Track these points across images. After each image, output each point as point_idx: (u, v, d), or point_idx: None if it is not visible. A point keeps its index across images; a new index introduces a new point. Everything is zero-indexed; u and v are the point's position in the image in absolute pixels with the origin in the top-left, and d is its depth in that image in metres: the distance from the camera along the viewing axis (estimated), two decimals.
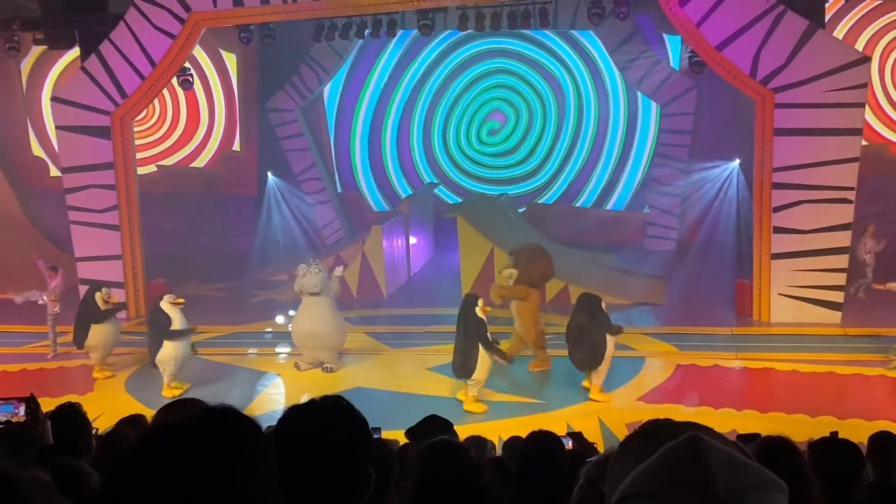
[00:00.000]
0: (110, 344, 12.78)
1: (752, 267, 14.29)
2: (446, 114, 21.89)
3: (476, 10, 15.92)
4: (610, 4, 15.15)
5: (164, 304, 11.73)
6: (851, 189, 13.41)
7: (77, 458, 3.26)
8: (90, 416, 4.10)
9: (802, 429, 8.57)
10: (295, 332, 12.74)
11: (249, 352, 13.91)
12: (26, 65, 20.35)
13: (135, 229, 16.19)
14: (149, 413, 7.15)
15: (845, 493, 3.26)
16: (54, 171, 19.52)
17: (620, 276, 16.14)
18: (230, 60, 20.75)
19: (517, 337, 12.26)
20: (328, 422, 1.74)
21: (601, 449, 6.58)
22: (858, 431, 6.21)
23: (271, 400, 11.60)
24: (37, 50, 19.24)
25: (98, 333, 12.55)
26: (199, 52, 19.39)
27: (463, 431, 5.85)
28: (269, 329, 15.00)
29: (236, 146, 21.24)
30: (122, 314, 13.32)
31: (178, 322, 11.68)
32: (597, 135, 21.03)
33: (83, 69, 15.78)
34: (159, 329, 11.65)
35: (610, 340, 10.69)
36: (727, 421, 9.45)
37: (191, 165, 21.37)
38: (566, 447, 4.51)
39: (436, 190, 21.28)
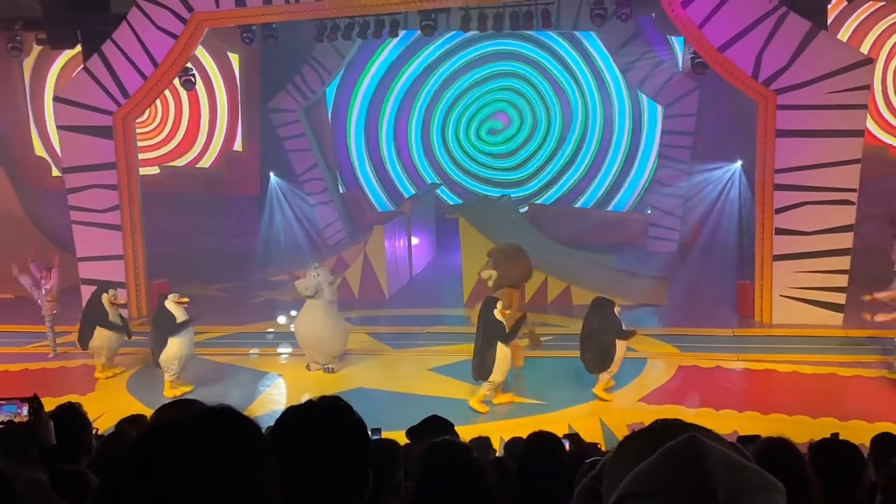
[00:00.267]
0: (115, 346, 12.78)
1: (753, 268, 14.27)
2: (445, 112, 21.85)
3: (478, 10, 15.92)
4: (612, 5, 15.15)
5: (169, 304, 11.75)
6: (853, 191, 13.39)
7: (77, 459, 3.26)
8: (91, 416, 4.10)
9: (804, 430, 8.56)
10: (296, 334, 12.80)
11: (251, 352, 13.91)
12: (28, 64, 20.37)
13: (137, 229, 16.20)
14: (150, 413, 7.15)
15: (846, 495, 3.25)
16: (56, 171, 19.54)
17: (622, 277, 16.13)
18: (233, 60, 20.76)
19: None
20: (326, 422, 1.73)
21: (604, 449, 6.58)
22: (860, 433, 6.21)
23: (272, 400, 11.61)
24: (39, 50, 19.25)
25: (103, 335, 12.55)
26: (201, 53, 19.40)
27: (463, 432, 5.85)
28: (271, 329, 15.01)
29: (238, 146, 21.25)
30: (124, 312, 13.30)
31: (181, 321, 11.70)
32: (602, 137, 21.00)
33: (85, 69, 15.80)
34: (163, 328, 11.66)
35: (620, 344, 10.78)
36: (728, 422, 9.45)
37: (193, 166, 21.39)
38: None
39: (438, 191, 21.27)
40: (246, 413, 1.27)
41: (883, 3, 17.93)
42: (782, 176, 13.65)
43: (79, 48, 16.36)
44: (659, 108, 20.14)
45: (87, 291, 15.09)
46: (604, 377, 10.99)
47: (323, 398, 1.80)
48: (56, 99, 16.45)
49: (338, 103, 22.02)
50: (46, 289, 13.62)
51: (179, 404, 2.58)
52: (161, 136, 21.22)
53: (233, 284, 18.33)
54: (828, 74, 13.15)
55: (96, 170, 15.94)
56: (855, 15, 18.10)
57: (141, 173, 16.79)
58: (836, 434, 4.02)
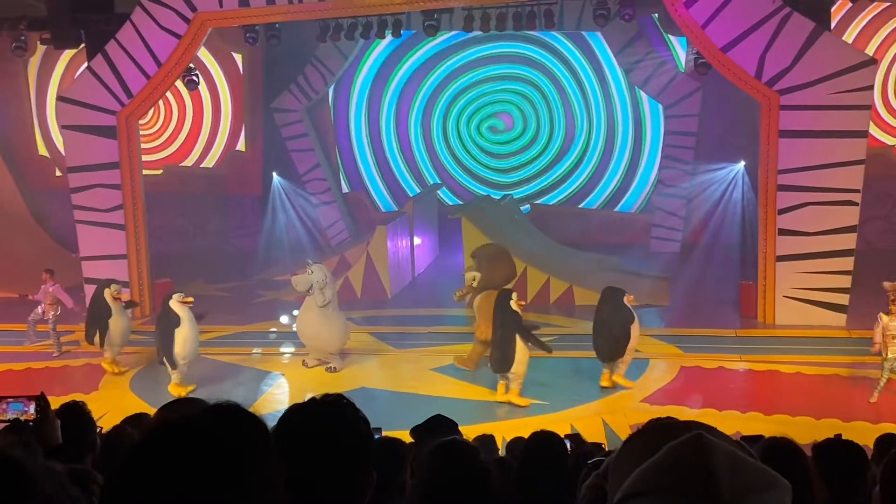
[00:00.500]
0: (121, 340, 12.77)
1: (756, 269, 14.26)
2: (445, 112, 21.84)
3: (481, 10, 15.92)
4: (615, 6, 15.14)
5: (174, 303, 11.77)
6: (857, 191, 13.37)
7: (82, 458, 3.27)
8: (94, 415, 4.11)
9: (807, 431, 8.55)
10: (297, 331, 12.89)
11: (254, 351, 13.93)
12: (33, 64, 20.41)
13: (140, 229, 16.22)
14: (153, 412, 7.16)
15: (850, 495, 3.24)
16: (60, 171, 19.57)
17: (624, 278, 16.06)
18: (237, 60, 20.77)
19: (480, 343, 12.32)
20: (330, 420, 1.73)
21: (607, 449, 6.57)
22: (863, 434, 6.20)
23: (275, 400, 11.62)
24: (43, 49, 19.28)
25: (113, 324, 12.56)
26: (204, 53, 19.41)
27: (466, 431, 5.85)
28: (274, 329, 15.02)
29: (241, 146, 21.27)
30: (128, 312, 13.33)
31: (186, 321, 11.72)
32: (607, 138, 20.97)
33: (89, 69, 15.82)
34: (168, 328, 11.68)
35: (634, 333, 10.95)
36: (731, 423, 9.43)
37: (196, 166, 21.40)
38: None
39: (440, 192, 21.26)
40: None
41: (889, 4, 17.89)
42: (785, 176, 13.63)
43: (82, 48, 16.39)
44: (661, 108, 20.12)
45: (90, 290, 15.12)
46: (621, 370, 11.20)
47: (326, 396, 1.80)
48: (60, 98, 16.48)
49: (340, 103, 22.03)
50: (48, 292, 13.71)
51: (184, 402, 2.58)
52: (164, 137, 21.24)
53: (235, 284, 18.34)
54: (831, 75, 13.13)
55: (100, 169, 15.96)
56: (861, 16, 18.05)
57: (144, 173, 16.81)
58: (839, 435, 4.01)
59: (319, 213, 21.13)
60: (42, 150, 21.03)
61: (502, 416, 10.65)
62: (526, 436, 4.40)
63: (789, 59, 13.26)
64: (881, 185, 16.74)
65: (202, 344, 12.51)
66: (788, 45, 13.23)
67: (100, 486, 2.22)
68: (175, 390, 11.61)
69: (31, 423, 2.95)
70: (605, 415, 10.49)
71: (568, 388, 11.37)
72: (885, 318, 10.34)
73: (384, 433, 4.08)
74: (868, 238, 16.30)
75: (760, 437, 3.84)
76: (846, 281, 13.51)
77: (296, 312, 13.38)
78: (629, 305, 11.09)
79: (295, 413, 1.75)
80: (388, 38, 17.15)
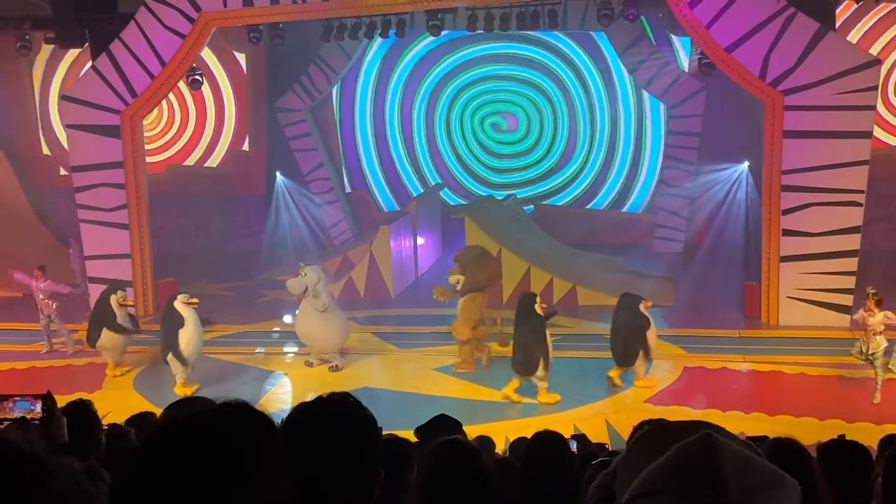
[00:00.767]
0: (122, 347, 12.81)
1: (760, 269, 14.24)
2: (446, 111, 21.83)
3: (485, 10, 15.92)
4: (619, 6, 15.13)
5: (178, 304, 11.79)
6: (861, 192, 13.35)
7: (87, 456, 3.27)
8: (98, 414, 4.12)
9: (811, 432, 8.53)
10: (297, 331, 12.96)
11: (257, 351, 13.95)
12: (37, 64, 20.44)
13: (144, 228, 16.24)
14: (157, 412, 7.17)
15: (855, 496, 3.24)
16: (64, 170, 19.60)
17: (628, 278, 16.08)
18: (240, 60, 20.78)
19: (463, 343, 12.45)
20: (336, 419, 1.74)
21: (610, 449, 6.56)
22: (867, 435, 6.19)
23: (278, 399, 11.63)
24: (47, 49, 19.31)
25: (110, 337, 12.59)
26: (207, 53, 19.43)
27: (469, 431, 5.85)
28: (277, 329, 15.03)
29: (245, 146, 21.28)
30: (132, 310, 13.34)
31: (191, 321, 11.75)
32: (610, 138, 20.94)
33: (93, 68, 15.85)
34: (172, 328, 11.70)
35: (650, 338, 11.13)
36: (735, 423, 9.42)
37: (199, 165, 21.42)
38: (572, 450, 4.50)
39: (442, 192, 21.25)
40: None
41: (894, 6, 17.83)
42: (790, 177, 13.61)
43: (86, 47, 16.42)
44: (663, 108, 20.09)
45: (94, 290, 15.17)
46: (638, 372, 11.35)
47: (333, 394, 1.80)
48: (64, 98, 16.51)
49: (344, 103, 22.04)
50: (41, 288, 13.75)
51: (191, 401, 2.58)
52: (168, 137, 21.26)
53: (239, 284, 18.36)
54: (836, 75, 13.11)
55: (104, 168, 15.99)
56: (866, 18, 17.99)
57: (148, 173, 16.83)
58: (843, 436, 4.01)
59: (323, 212, 21.14)
60: (45, 150, 21.06)
61: (506, 416, 10.66)
62: (529, 436, 4.40)
63: (794, 60, 13.24)
64: (885, 185, 16.70)
65: (205, 343, 12.54)
66: (793, 46, 13.21)
67: (106, 483, 2.23)
68: (181, 391, 11.63)
69: (37, 422, 2.96)
70: (608, 415, 10.49)
71: (571, 389, 11.36)
72: (865, 315, 10.51)
73: (387, 433, 4.08)
74: (872, 239, 16.24)
75: (765, 438, 3.84)
76: (850, 282, 13.49)
77: (298, 312, 13.40)
78: (645, 312, 11.19)
79: (302, 412, 1.75)
80: (399, 38, 17.19)
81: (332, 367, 12.61)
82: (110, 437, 4.09)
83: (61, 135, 19.33)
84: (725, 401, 10.71)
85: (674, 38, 19.20)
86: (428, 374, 12.39)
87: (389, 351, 13.62)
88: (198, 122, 21.22)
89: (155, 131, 20.79)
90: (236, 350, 13.79)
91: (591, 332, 13.44)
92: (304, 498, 1.48)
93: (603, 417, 10.40)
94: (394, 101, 21.93)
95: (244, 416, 1.24)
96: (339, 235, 21.08)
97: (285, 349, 13.98)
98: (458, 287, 12.33)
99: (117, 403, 10.78)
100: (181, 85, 17.34)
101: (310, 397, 1.87)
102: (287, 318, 15.04)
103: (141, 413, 5.03)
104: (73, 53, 19.33)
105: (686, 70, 19.29)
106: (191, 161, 21.38)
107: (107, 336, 12.55)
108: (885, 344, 10.41)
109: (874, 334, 10.43)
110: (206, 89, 19.81)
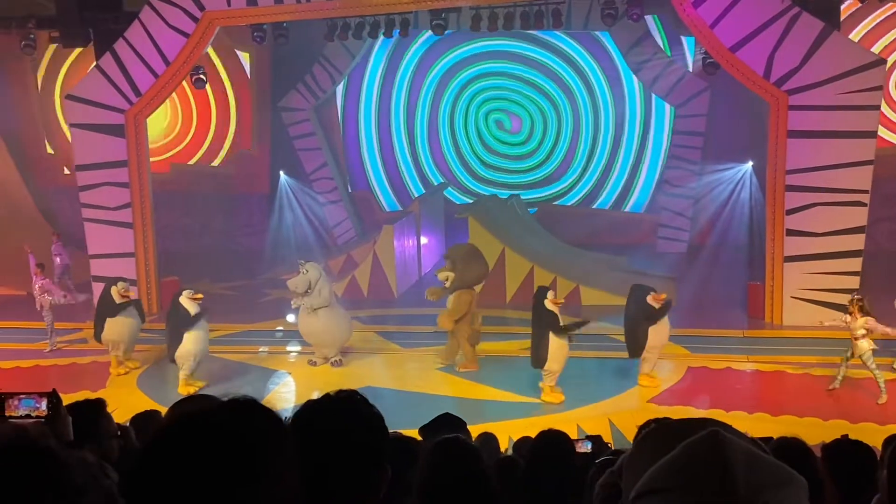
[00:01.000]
0: (130, 337, 12.77)
1: (764, 269, 14.21)
2: (449, 111, 21.81)
3: (489, 10, 15.92)
4: (623, 5, 15.11)
5: (184, 300, 11.80)
6: (866, 192, 13.32)
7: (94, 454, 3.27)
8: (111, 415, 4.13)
9: (814, 432, 8.51)
10: (300, 330, 12.97)
11: (260, 350, 13.96)
12: (41, 63, 20.47)
13: (148, 227, 16.27)
14: (162, 410, 7.18)
15: (859, 496, 3.23)
16: (68, 169, 19.63)
17: (631, 278, 16.04)
18: (244, 59, 20.79)
19: (453, 341, 12.51)
20: (343, 416, 1.74)
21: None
22: (872, 435, 6.17)
23: (282, 398, 11.63)
24: (51, 48, 19.33)
25: (115, 328, 12.56)
26: (212, 52, 19.44)
27: (473, 431, 5.85)
28: (280, 327, 15.04)
29: (248, 145, 21.29)
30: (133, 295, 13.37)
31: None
32: (615, 139, 20.90)
33: (98, 67, 15.88)
34: (178, 324, 11.70)
35: (652, 333, 11.04)
36: (739, 424, 9.28)
37: (203, 164, 21.44)
38: (585, 450, 4.50)
39: (445, 191, 21.24)
40: None
41: None
42: (794, 177, 13.58)
43: (91, 46, 16.44)
44: (669, 107, 20.05)
45: (98, 288, 15.19)
46: (644, 370, 11.32)
47: (340, 392, 1.80)
48: (69, 97, 16.53)
49: (348, 102, 22.04)
50: (40, 285, 13.77)
51: (197, 399, 2.59)
52: (171, 136, 21.27)
53: (242, 283, 18.38)
54: (840, 75, 13.08)
55: (108, 167, 16.02)
56: (870, 18, 17.95)
57: (152, 172, 16.85)
58: (846, 436, 4.00)
59: (326, 211, 21.15)
60: (49, 148, 21.09)
61: (510, 415, 10.65)
62: (532, 435, 4.40)
63: (798, 59, 13.22)
64: (890, 186, 16.66)
65: (209, 342, 12.54)
66: (797, 45, 13.19)
67: (113, 481, 2.23)
68: (184, 389, 11.63)
69: (42, 420, 2.96)
70: (611, 415, 10.48)
71: (575, 388, 11.35)
72: (849, 319, 10.68)
73: (391, 432, 4.07)
74: (876, 239, 16.22)
75: (770, 438, 3.83)
76: (854, 282, 13.45)
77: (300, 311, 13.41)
78: (652, 303, 11.08)
79: (309, 409, 1.75)
80: (403, 38, 17.21)
81: (334, 361, 12.67)
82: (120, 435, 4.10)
83: (66, 133, 19.36)
84: (729, 401, 10.69)
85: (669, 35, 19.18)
86: (431, 373, 12.40)
87: (393, 350, 13.62)
88: (201, 121, 21.23)
89: (159, 129, 20.79)
90: (239, 349, 13.80)
91: (594, 332, 13.41)
92: (312, 495, 1.49)
93: (606, 417, 10.39)
94: (398, 99, 21.89)
95: (252, 412, 1.25)
96: (343, 235, 21.09)
97: (288, 348, 13.99)
98: (448, 284, 12.38)
99: (121, 402, 10.79)
100: (185, 84, 17.34)
101: (314, 396, 1.87)
102: (290, 317, 15.04)
103: (146, 411, 5.03)
104: (77, 52, 19.35)
105: (691, 69, 19.27)
106: (195, 160, 21.40)
107: (111, 328, 12.54)
108: (868, 347, 10.50)
109: (855, 339, 10.58)
110: (209, 88, 19.81)
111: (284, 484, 1.19)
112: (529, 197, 21.09)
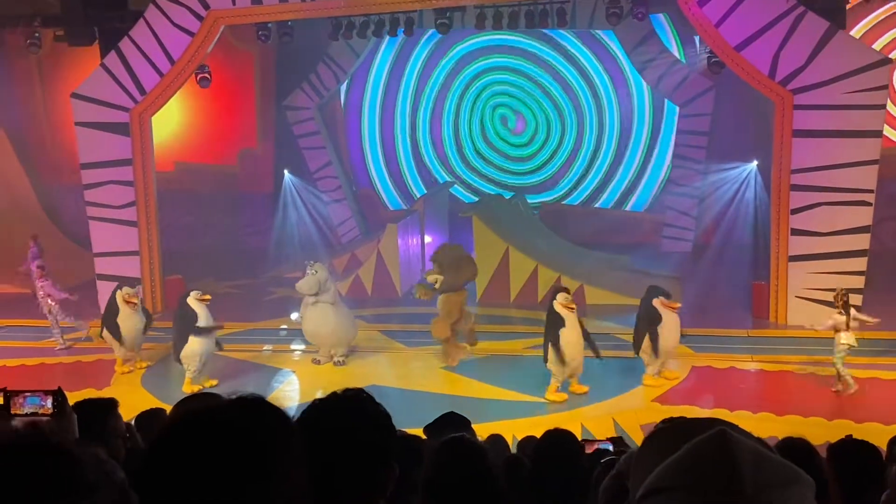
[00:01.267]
0: (133, 340, 12.81)
1: (768, 269, 14.19)
2: (454, 111, 21.79)
3: (494, 9, 15.90)
4: (628, 4, 15.09)
5: (191, 301, 11.81)
6: (871, 192, 13.29)
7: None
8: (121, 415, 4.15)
9: (819, 432, 8.50)
10: (304, 331, 12.99)
11: (264, 349, 13.97)
12: (46, 62, 20.48)
13: (152, 225, 16.30)
14: (167, 409, 7.20)
15: (864, 495, 3.23)
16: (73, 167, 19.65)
17: (636, 278, 16.06)
18: (248, 59, 20.80)
19: (442, 341, 12.51)
20: (350, 414, 1.74)
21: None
22: (876, 435, 6.16)
23: (286, 397, 11.65)
24: (57, 46, 19.35)
25: (123, 330, 12.61)
26: (216, 50, 19.42)
27: (479, 430, 5.86)
28: (284, 326, 15.05)
29: (253, 144, 21.30)
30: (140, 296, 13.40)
31: (203, 318, 11.78)
32: (620, 138, 20.86)
33: (103, 66, 15.91)
34: (185, 325, 11.72)
35: (662, 334, 11.13)
36: (743, 423, 9.23)
37: (207, 163, 21.45)
38: (605, 452, 4.50)
39: (452, 189, 21.23)
40: None
41: None
42: (798, 176, 13.56)
43: (96, 45, 16.47)
44: (676, 108, 20.02)
45: (102, 287, 15.24)
46: (649, 369, 11.39)
47: (347, 390, 1.81)
48: (74, 95, 16.55)
49: (352, 101, 22.04)
50: (41, 285, 13.81)
51: (202, 397, 2.59)
52: (176, 135, 21.26)
53: (246, 281, 18.39)
54: (845, 74, 13.05)
55: (113, 166, 16.05)
56: (873, 16, 17.90)
57: (156, 170, 16.87)
58: (850, 436, 3.99)
59: (330, 210, 21.16)
60: (55, 147, 21.11)
61: (514, 415, 10.65)
62: (536, 434, 4.40)
63: (803, 59, 13.19)
64: (895, 185, 16.62)
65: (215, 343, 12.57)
66: (802, 44, 13.16)
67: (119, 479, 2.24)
68: (188, 388, 11.65)
69: (47, 418, 2.97)
70: (615, 414, 10.48)
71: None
72: (837, 317, 10.82)
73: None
74: (881, 239, 16.19)
75: (773, 438, 3.83)
76: (859, 282, 13.43)
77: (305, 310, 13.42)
78: (658, 307, 11.13)
79: (316, 407, 1.76)
80: (407, 37, 17.20)
81: (337, 360, 12.69)
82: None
83: (70, 132, 19.38)
84: (733, 400, 10.68)
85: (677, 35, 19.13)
86: (435, 372, 12.40)
87: (397, 349, 13.63)
88: (206, 119, 21.24)
89: (163, 128, 20.78)
90: (243, 348, 13.82)
91: (598, 332, 13.39)
92: (320, 493, 1.49)
93: (610, 416, 10.38)
94: (405, 96, 21.85)
95: (260, 409, 1.25)
96: (347, 233, 21.10)
97: (293, 347, 14.00)
98: (437, 286, 12.38)
99: (125, 400, 10.80)
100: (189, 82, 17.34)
101: (318, 395, 1.87)
102: (294, 316, 15.06)
103: (150, 409, 5.05)
104: (81, 51, 19.36)
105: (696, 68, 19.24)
106: (199, 159, 21.41)
107: (114, 328, 12.60)
108: (847, 341, 10.65)
109: (837, 331, 10.77)
110: (214, 87, 19.78)
111: (293, 482, 1.20)
112: (532, 201, 21.07)
